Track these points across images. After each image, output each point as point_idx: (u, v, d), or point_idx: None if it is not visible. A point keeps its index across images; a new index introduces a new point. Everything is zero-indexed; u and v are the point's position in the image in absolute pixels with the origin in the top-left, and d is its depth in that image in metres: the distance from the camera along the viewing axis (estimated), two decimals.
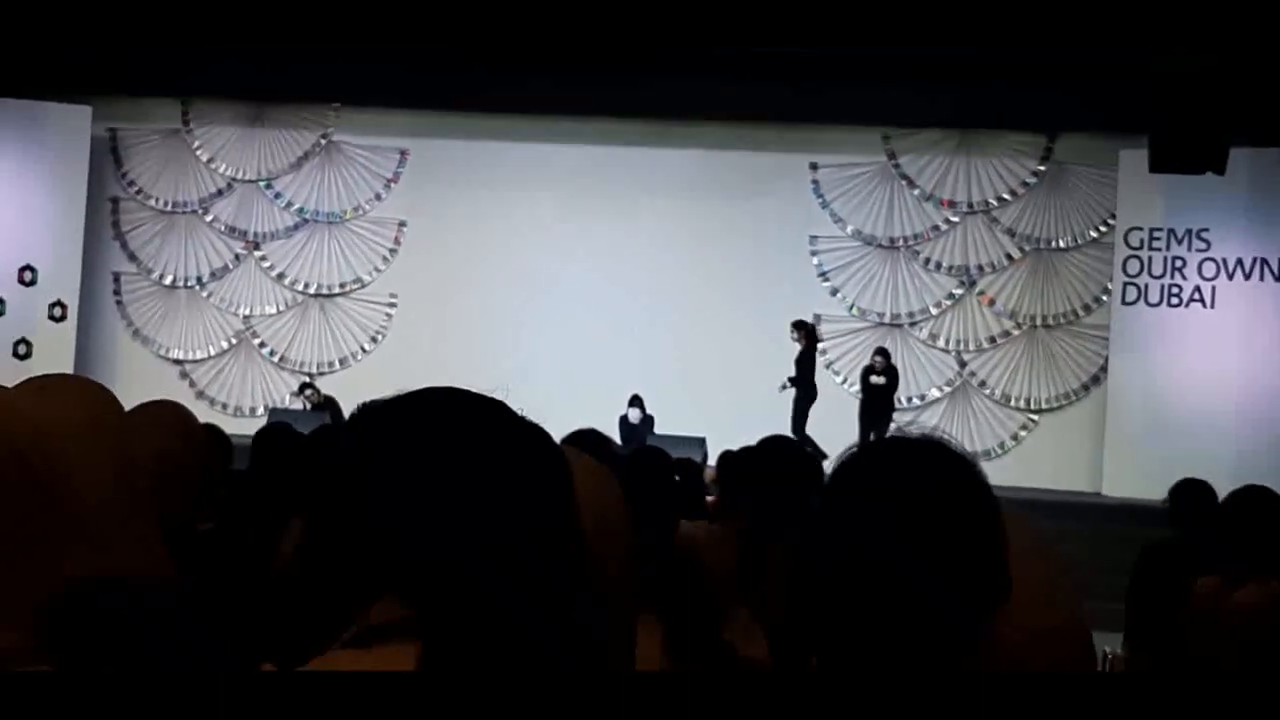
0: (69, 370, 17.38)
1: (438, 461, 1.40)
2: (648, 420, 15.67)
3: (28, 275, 17.83)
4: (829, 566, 1.55)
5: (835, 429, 13.81)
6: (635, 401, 15.78)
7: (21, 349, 17.66)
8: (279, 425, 4.94)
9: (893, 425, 15.55)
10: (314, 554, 2.11)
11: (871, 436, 14.82)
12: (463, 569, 1.35)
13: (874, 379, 15.87)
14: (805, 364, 15.76)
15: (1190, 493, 6.01)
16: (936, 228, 17.66)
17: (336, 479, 1.44)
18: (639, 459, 3.00)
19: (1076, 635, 2.06)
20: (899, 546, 1.51)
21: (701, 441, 14.24)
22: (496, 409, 1.46)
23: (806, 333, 15.93)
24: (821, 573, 1.56)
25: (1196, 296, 16.03)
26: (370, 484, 1.41)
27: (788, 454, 4.44)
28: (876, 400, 15.70)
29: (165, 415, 2.94)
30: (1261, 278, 15.83)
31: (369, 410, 1.48)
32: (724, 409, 15.29)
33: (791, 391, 15.64)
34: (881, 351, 16.17)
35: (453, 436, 1.41)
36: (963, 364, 17.50)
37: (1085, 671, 2.09)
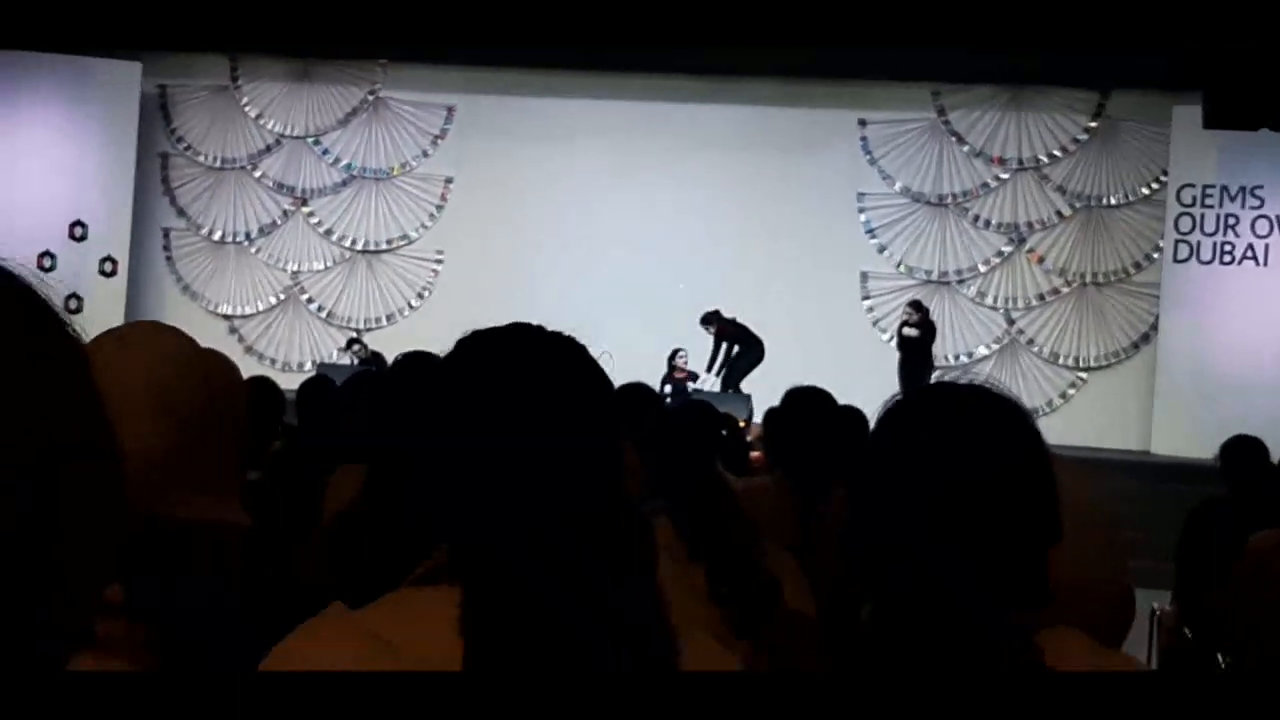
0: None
1: (493, 407, 1.40)
2: (691, 375, 15.67)
3: (78, 231, 17.96)
4: (879, 514, 1.54)
5: (879, 387, 13.75)
6: (676, 355, 15.75)
7: (72, 304, 17.79)
8: (323, 377, 4.93)
9: (934, 379, 15.43)
10: (373, 501, 2.12)
11: None
12: (509, 530, 1.35)
13: (906, 330, 15.70)
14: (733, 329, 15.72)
15: (1242, 449, 5.97)
16: (986, 185, 17.53)
17: (393, 427, 1.45)
18: (682, 414, 3.00)
19: (1119, 588, 2.05)
20: (949, 490, 1.50)
21: (747, 398, 14.25)
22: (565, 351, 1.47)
23: (717, 328, 15.78)
24: (872, 521, 1.55)
25: (1249, 254, 15.87)
26: (423, 434, 1.42)
27: (827, 405, 4.43)
28: (911, 353, 15.52)
29: (213, 365, 2.95)
30: None
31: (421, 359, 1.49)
32: (770, 366, 15.25)
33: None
34: (915, 304, 16.00)
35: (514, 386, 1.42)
36: (1011, 322, 17.40)
37: (1123, 626, 2.08)
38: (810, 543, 3.71)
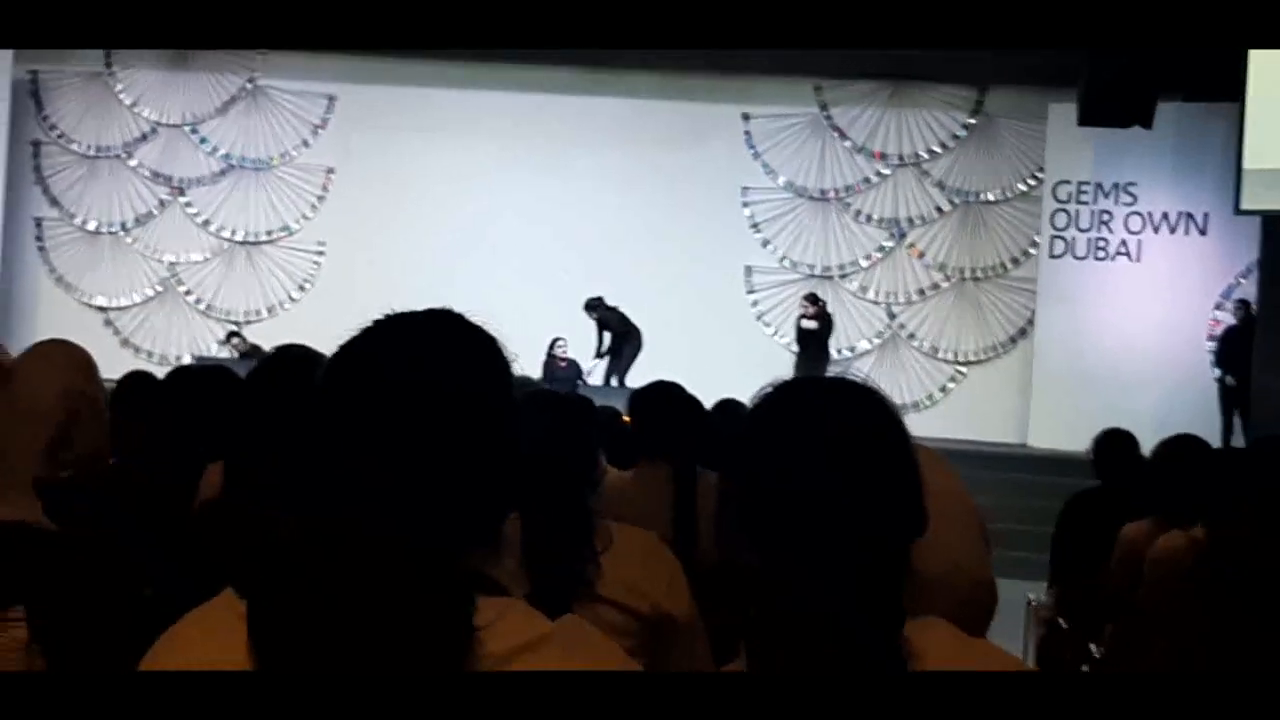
0: None
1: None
2: (572, 364, 15.67)
3: None
4: (748, 502, 1.54)
5: (763, 379, 13.82)
6: (555, 345, 15.74)
7: None
8: (195, 367, 4.77)
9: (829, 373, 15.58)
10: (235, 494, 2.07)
11: None
12: None
13: (804, 323, 15.87)
14: (612, 319, 15.82)
15: (1113, 443, 6.06)
16: (867, 180, 17.72)
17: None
18: (565, 405, 2.97)
19: (983, 578, 2.07)
20: (815, 480, 1.50)
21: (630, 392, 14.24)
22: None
23: (599, 315, 15.88)
24: (744, 503, 1.55)
25: (1123, 250, 16.19)
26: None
27: (688, 397, 4.47)
28: (809, 345, 15.68)
29: (63, 355, 2.90)
30: (1187, 231, 16.01)
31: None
32: (654, 359, 15.27)
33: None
34: (811, 297, 16.16)
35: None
36: (892, 316, 17.60)
37: (986, 615, 2.11)
38: (686, 531, 3.73)
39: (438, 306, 1.49)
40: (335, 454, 1.37)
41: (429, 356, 1.41)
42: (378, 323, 1.46)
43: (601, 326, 15.80)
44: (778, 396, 1.62)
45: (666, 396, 4.36)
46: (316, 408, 1.41)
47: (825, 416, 1.55)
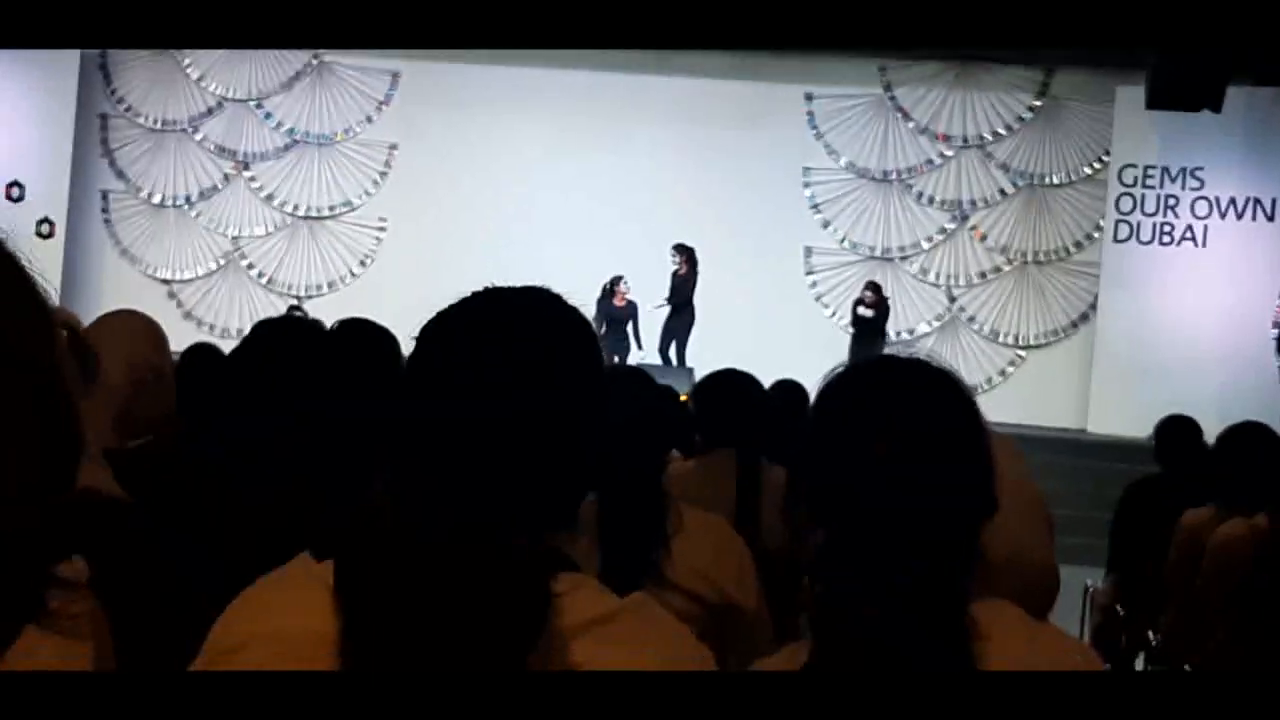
0: (56, 288, 17.33)
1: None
2: (631, 305, 15.75)
3: (15, 191, 17.73)
4: (821, 484, 1.55)
5: (821, 361, 13.80)
6: (619, 282, 15.82)
7: None
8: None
9: None
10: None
11: None
12: None
13: (861, 310, 15.90)
14: (685, 288, 15.75)
15: (1175, 429, 6.02)
16: (930, 161, 17.60)
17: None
18: (644, 386, 2.95)
19: (1046, 563, 2.07)
20: (890, 461, 1.50)
21: (690, 372, 14.25)
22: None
23: (687, 257, 15.87)
24: (814, 491, 1.55)
25: (1188, 235, 16.02)
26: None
27: (754, 384, 4.44)
28: (865, 332, 15.73)
29: (130, 324, 2.94)
30: (1254, 217, 15.81)
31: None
32: (712, 338, 15.28)
33: (661, 313, 15.78)
34: (872, 285, 16.17)
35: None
36: (952, 299, 17.50)
37: (1049, 599, 2.11)
38: (751, 516, 3.72)
39: (534, 284, 1.48)
40: (424, 426, 1.38)
41: (524, 332, 1.41)
42: (474, 295, 1.47)
43: (675, 278, 15.76)
44: (847, 378, 1.62)
45: (732, 385, 4.34)
46: (408, 377, 1.42)
47: (897, 398, 1.55)
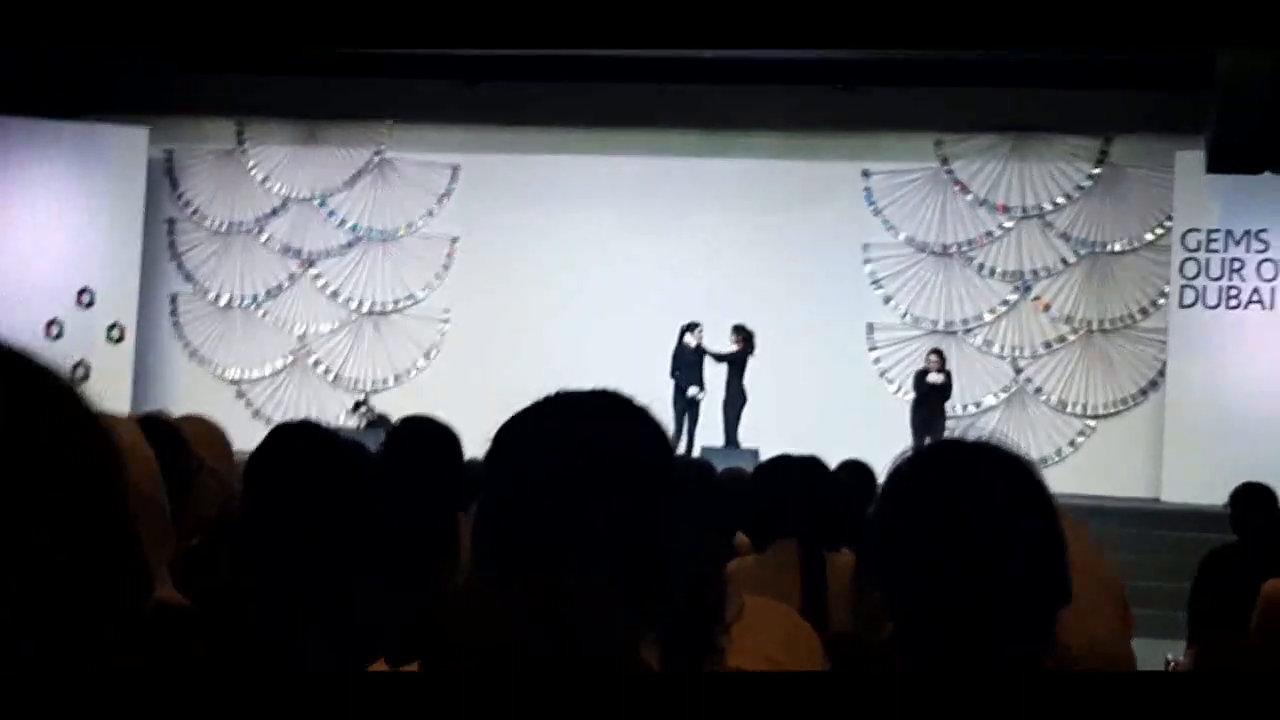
0: (127, 392, 17.58)
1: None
2: (700, 349, 15.93)
3: (85, 297, 18.02)
4: (892, 575, 1.54)
5: (886, 438, 13.75)
6: (695, 329, 16.03)
7: (80, 371, 17.84)
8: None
9: (947, 431, 15.48)
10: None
11: (926, 441, 14.77)
12: None
13: (931, 377, 15.75)
14: (739, 367, 15.74)
15: (1251, 497, 5.95)
16: (990, 233, 17.56)
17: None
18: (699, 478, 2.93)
19: (1124, 653, 2.04)
20: (962, 550, 1.49)
21: (755, 453, 14.21)
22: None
23: (743, 337, 15.85)
24: (885, 579, 1.55)
25: (1255, 298, 15.86)
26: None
27: (807, 467, 4.36)
28: (932, 401, 15.57)
29: (202, 430, 3.00)
30: None
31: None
32: (777, 418, 15.25)
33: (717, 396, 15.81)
34: (937, 351, 16.07)
35: None
36: (1018, 370, 17.38)
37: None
38: (819, 607, 3.67)
39: (605, 388, 1.49)
40: (500, 536, 1.39)
41: (598, 437, 1.40)
42: (546, 401, 1.47)
43: (733, 354, 15.78)
44: (916, 465, 1.61)
45: (791, 472, 4.27)
46: (483, 487, 1.43)
47: (968, 486, 1.54)
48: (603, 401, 1.46)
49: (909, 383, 16.49)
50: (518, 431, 1.44)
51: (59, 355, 0.88)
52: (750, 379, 15.87)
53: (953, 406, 16.26)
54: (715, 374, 15.92)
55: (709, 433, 15.63)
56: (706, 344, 15.86)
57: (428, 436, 3.08)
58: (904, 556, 1.53)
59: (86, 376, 17.62)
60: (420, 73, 17.25)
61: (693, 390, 15.61)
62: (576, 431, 1.41)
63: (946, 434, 15.56)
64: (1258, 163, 13.99)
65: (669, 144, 17.71)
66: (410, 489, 2.77)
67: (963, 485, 1.55)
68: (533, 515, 1.37)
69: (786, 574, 3.82)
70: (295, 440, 3.05)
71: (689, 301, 17.17)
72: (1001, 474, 1.56)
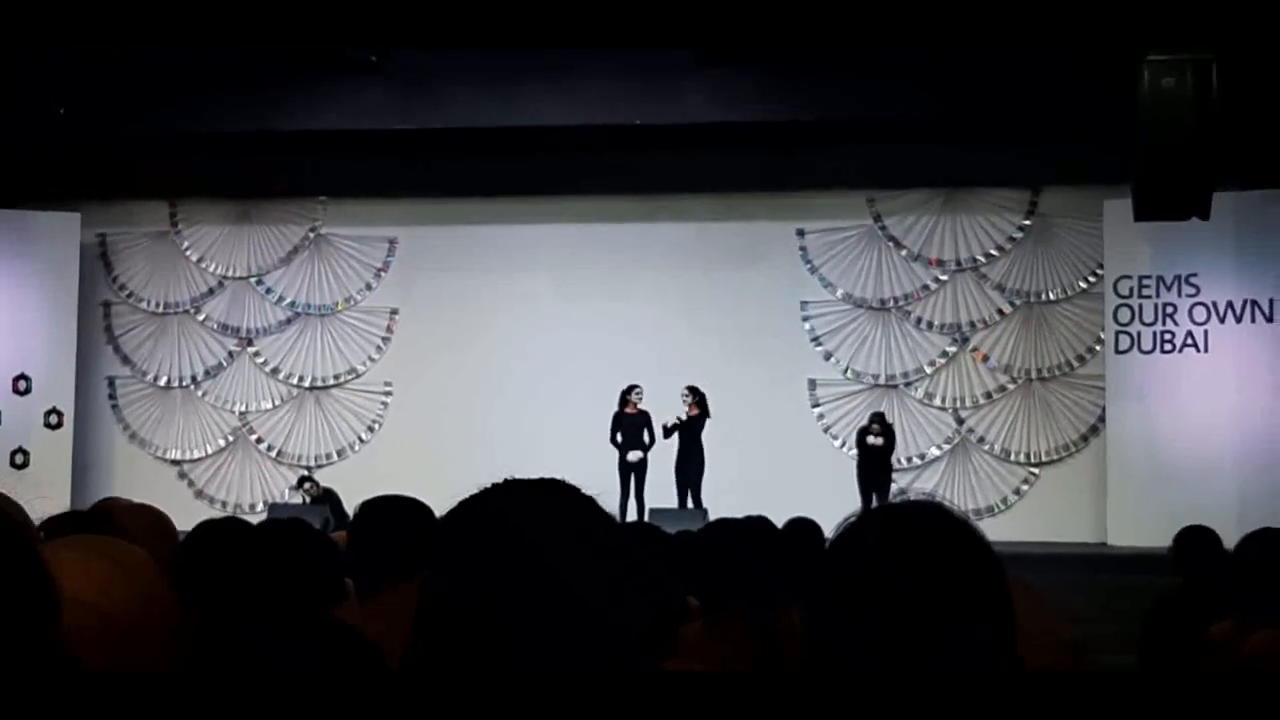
0: (67, 477, 17.38)
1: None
2: (643, 414, 15.80)
3: (22, 384, 17.82)
4: (834, 644, 1.53)
5: (832, 494, 13.81)
6: (632, 391, 15.93)
7: (19, 458, 17.63)
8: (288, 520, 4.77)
9: (893, 487, 15.61)
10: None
11: (873, 499, 14.86)
12: None
13: (871, 439, 15.86)
14: (695, 429, 15.72)
15: (1194, 540, 5.99)
16: (926, 287, 17.72)
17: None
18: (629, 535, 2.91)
19: None
20: (901, 619, 1.49)
21: (705, 513, 14.21)
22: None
23: (697, 399, 15.84)
24: (827, 650, 1.54)
25: (1189, 341, 16.05)
26: None
27: (763, 529, 4.32)
28: (874, 461, 15.69)
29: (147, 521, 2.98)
30: (1253, 319, 15.86)
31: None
32: (724, 477, 15.26)
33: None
34: (878, 417, 16.18)
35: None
36: (960, 421, 17.49)
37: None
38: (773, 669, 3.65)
39: (549, 477, 1.50)
40: (450, 629, 1.39)
41: (544, 532, 1.41)
42: (492, 490, 1.47)
43: (687, 419, 15.72)
44: (860, 531, 1.60)
45: (734, 535, 4.22)
46: (429, 583, 1.43)
47: (911, 553, 1.53)
48: (549, 493, 1.47)
49: (852, 438, 16.56)
50: (464, 523, 1.44)
51: None
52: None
53: (898, 459, 16.34)
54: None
55: (661, 493, 15.56)
56: (656, 419, 15.70)
57: (399, 516, 3.05)
58: (846, 626, 1.53)
59: (26, 463, 17.41)
60: (353, 150, 17.24)
61: (633, 455, 15.55)
62: (524, 527, 1.41)
63: (893, 488, 15.65)
64: (1183, 209, 14.16)
65: (604, 210, 17.78)
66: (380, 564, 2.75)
67: (905, 551, 1.53)
68: (477, 611, 1.38)
69: (737, 641, 3.79)
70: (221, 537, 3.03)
71: (631, 364, 17.17)
72: (945, 541, 1.56)
